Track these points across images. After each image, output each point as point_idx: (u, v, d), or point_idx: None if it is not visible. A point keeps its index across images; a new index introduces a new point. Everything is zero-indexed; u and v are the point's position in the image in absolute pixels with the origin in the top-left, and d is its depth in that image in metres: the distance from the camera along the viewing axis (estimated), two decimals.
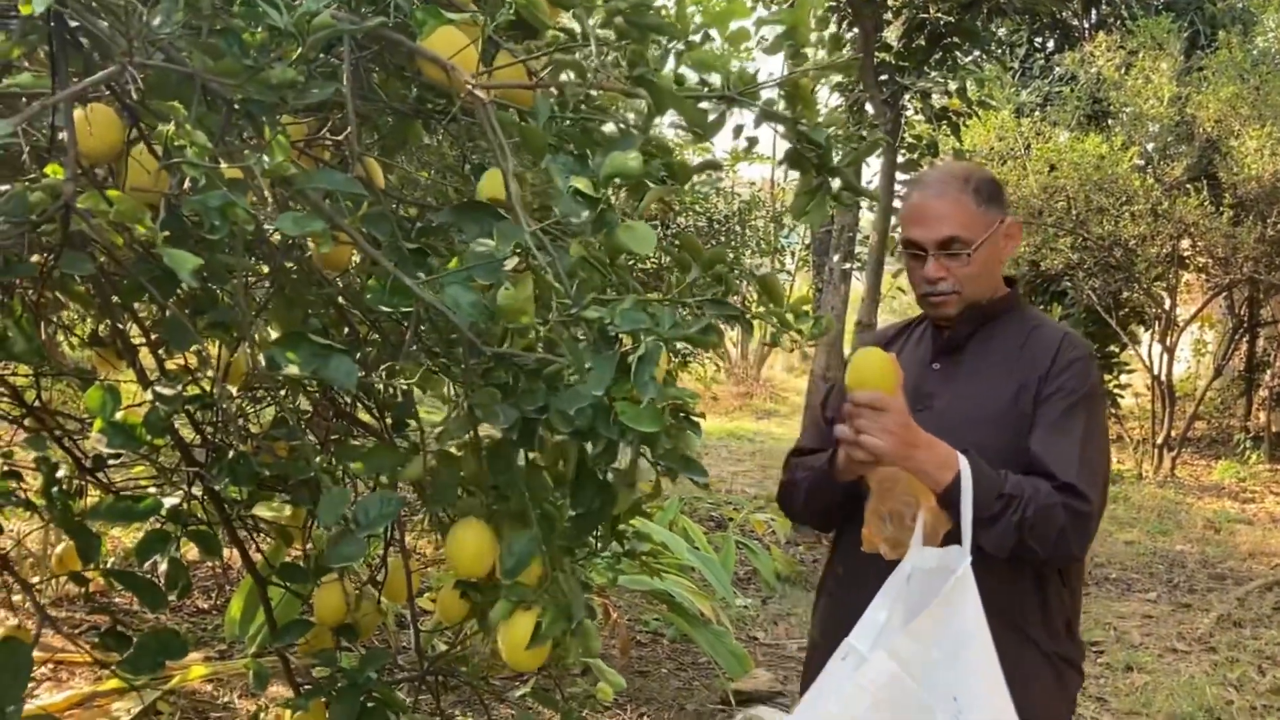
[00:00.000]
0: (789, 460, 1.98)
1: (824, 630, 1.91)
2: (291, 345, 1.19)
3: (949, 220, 1.77)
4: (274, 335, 1.38)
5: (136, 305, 1.79)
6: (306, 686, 1.72)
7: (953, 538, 1.64)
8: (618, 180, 1.27)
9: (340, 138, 1.37)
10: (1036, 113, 10.46)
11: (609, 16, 1.22)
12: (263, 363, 1.33)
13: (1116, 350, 10.69)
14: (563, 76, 1.50)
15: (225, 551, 1.97)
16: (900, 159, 6.40)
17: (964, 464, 1.61)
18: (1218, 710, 3.99)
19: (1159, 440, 9.78)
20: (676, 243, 1.41)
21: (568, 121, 1.44)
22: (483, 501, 1.51)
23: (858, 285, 7.29)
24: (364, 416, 1.94)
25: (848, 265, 6.79)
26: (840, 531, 1.95)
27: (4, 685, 1.14)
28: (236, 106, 1.25)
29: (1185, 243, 9.43)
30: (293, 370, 1.13)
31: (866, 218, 8.02)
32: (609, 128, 1.51)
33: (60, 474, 1.47)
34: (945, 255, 1.78)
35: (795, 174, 1.58)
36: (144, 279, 1.28)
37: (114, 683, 3.28)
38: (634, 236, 1.12)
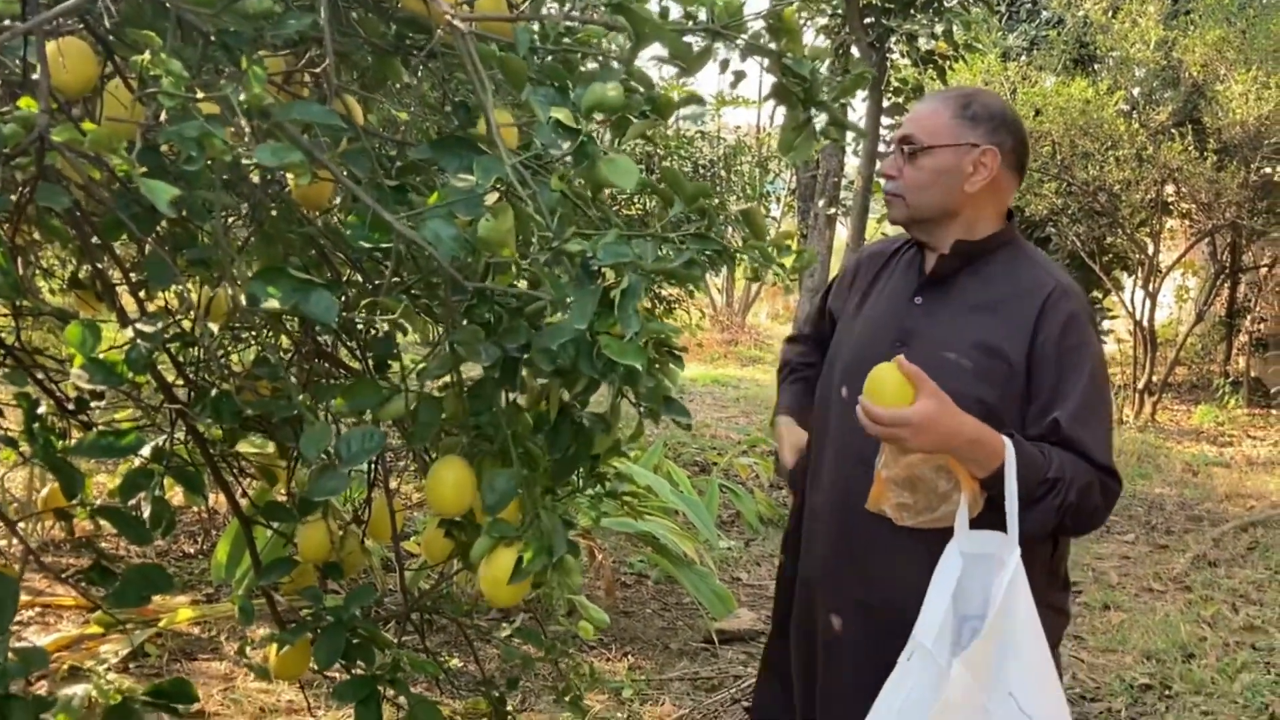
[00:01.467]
0: (785, 348, 2.21)
1: (812, 573, 1.93)
2: (270, 280, 1.18)
3: (916, 121, 1.80)
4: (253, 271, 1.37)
5: (117, 247, 1.77)
6: (292, 624, 1.74)
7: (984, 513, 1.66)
8: (599, 115, 1.26)
9: (318, 70, 1.36)
10: (1023, 56, 10.41)
11: None
12: (243, 300, 1.32)
13: (1100, 296, 10.73)
14: (544, 10, 1.49)
15: (211, 495, 1.98)
16: (886, 103, 6.36)
17: (1009, 452, 1.59)
18: (1191, 647, 4.06)
19: (1140, 385, 9.85)
20: (662, 183, 1.40)
21: (550, 56, 1.42)
22: (463, 441, 1.51)
23: (842, 231, 7.29)
24: (347, 359, 1.94)
25: (832, 210, 6.78)
26: (813, 470, 1.95)
27: None
28: (212, 39, 1.24)
29: (1169, 188, 9.44)
30: (272, 304, 1.13)
31: (852, 163, 7.99)
32: (591, 64, 1.50)
33: (41, 410, 1.47)
34: (903, 153, 1.79)
35: (781, 117, 1.58)
36: (123, 215, 1.26)
37: (100, 626, 3.31)
38: (615, 169, 1.12)
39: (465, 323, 1.31)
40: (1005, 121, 1.79)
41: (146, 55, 1.07)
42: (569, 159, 1.13)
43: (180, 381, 1.75)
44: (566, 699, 2.14)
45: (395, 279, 1.34)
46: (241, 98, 1.08)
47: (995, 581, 1.58)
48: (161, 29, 1.19)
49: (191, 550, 4.38)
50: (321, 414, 1.63)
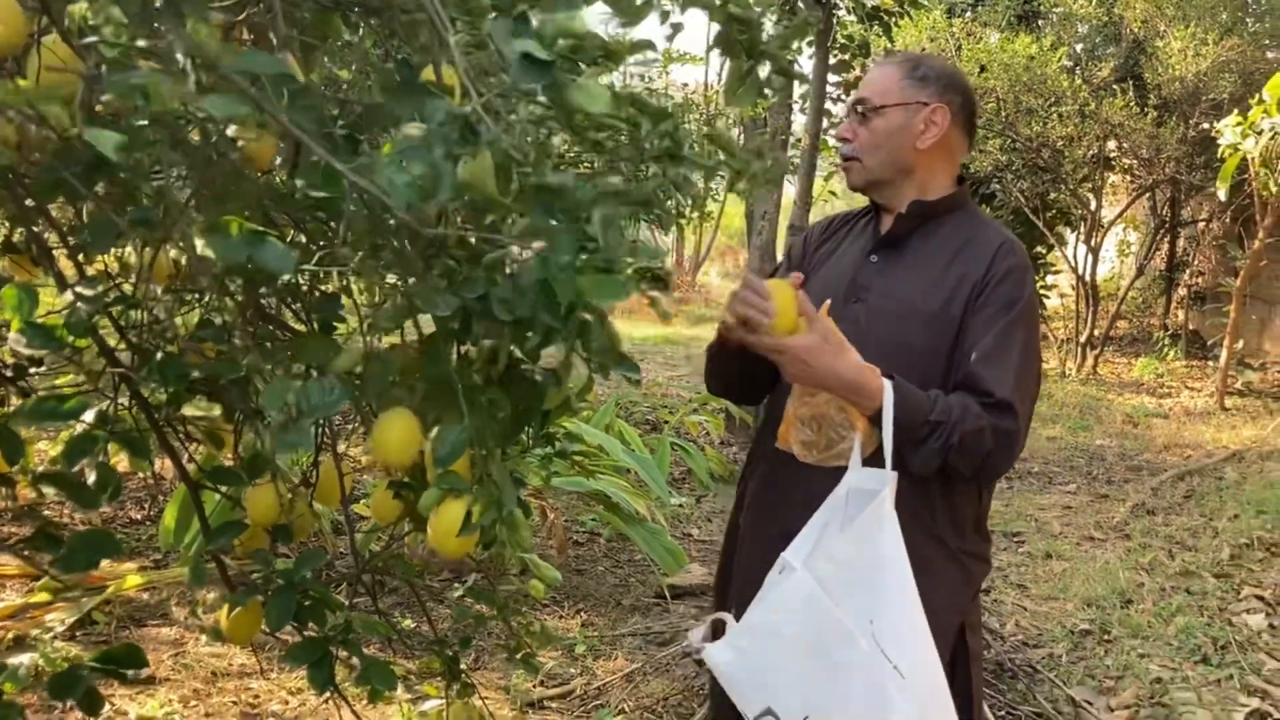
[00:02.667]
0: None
1: (748, 520, 1.98)
2: (222, 233, 1.17)
3: (869, 85, 1.85)
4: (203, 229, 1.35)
5: (53, 209, 1.73)
6: (243, 587, 1.73)
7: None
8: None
9: (255, 25, 1.33)
10: (968, 13, 10.44)
11: None
12: (196, 254, 1.30)
13: (1044, 252, 10.88)
14: None
15: (157, 461, 1.95)
16: (832, 60, 6.36)
17: (888, 392, 1.62)
18: (1129, 592, 4.18)
19: (1082, 339, 10.03)
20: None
21: None
22: (413, 395, 1.51)
23: (790, 189, 7.30)
24: (292, 322, 1.92)
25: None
26: (763, 426, 1.99)
27: None
28: None
29: (1111, 144, 9.57)
30: (231, 258, 1.11)
31: (799, 121, 7.99)
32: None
33: None
34: (857, 117, 1.84)
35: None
36: (67, 174, 1.24)
37: (47, 594, 3.27)
38: (586, 94, 1.10)
39: (426, 272, 1.30)
40: (954, 82, 1.85)
41: (84, 4, 1.05)
42: (538, 91, 1.12)
43: (123, 346, 1.72)
44: (519, 656, 2.15)
45: (348, 231, 1.33)
46: (182, 49, 1.05)
47: (866, 510, 1.61)
48: None
49: (138, 516, 4.33)
50: (270, 373, 1.62)
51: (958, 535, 1.77)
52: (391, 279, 1.54)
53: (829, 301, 1.71)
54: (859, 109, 1.84)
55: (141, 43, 1.06)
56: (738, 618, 1.93)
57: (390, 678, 1.72)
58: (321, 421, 1.91)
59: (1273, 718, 3.14)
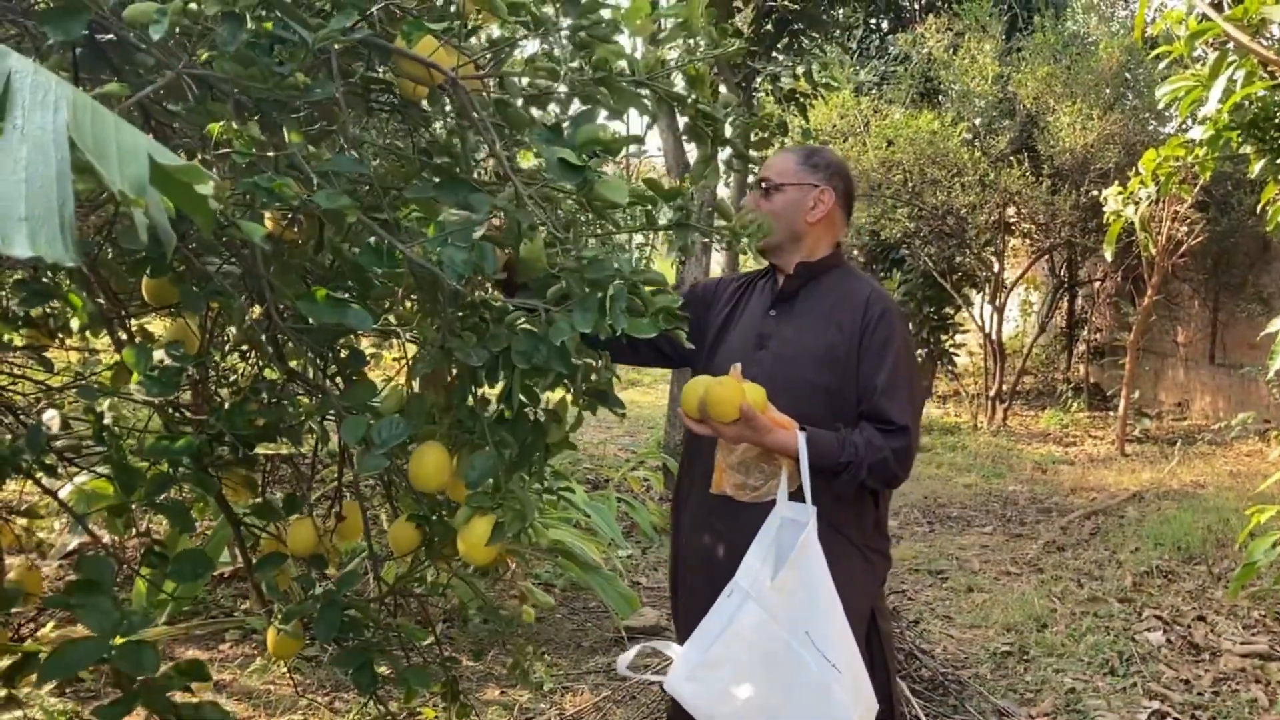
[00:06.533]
0: None
1: (684, 551, 2.34)
2: (311, 300, 1.46)
3: (771, 167, 2.28)
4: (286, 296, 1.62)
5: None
6: (286, 609, 1.97)
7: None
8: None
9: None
10: (874, 91, 11.10)
11: (574, 32, 1.53)
12: (246, 320, 1.58)
13: (952, 312, 11.45)
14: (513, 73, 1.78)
15: (132, 528, 2.17)
16: (752, 138, 6.82)
17: (802, 448, 2.02)
18: (1044, 618, 4.55)
19: (992, 394, 10.58)
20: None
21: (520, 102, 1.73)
22: (440, 428, 1.79)
23: (718, 257, 7.71)
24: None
25: (707, 239, 7.18)
26: (688, 475, 2.36)
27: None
28: (251, 104, 1.50)
29: (1010, 210, 10.21)
30: (324, 319, 1.40)
31: (723, 192, 8.45)
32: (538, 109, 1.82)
33: (106, 421, 1.69)
34: (760, 192, 2.25)
35: (655, 153, 1.92)
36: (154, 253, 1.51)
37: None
38: (610, 188, 1.44)
39: (462, 329, 1.60)
40: (839, 171, 2.32)
41: (220, 124, 1.34)
42: (571, 185, 1.44)
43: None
44: (517, 672, 2.41)
45: (405, 295, 1.62)
46: (296, 151, 1.35)
47: (796, 542, 1.99)
48: (202, 99, 1.45)
49: None
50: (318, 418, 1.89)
51: (861, 533, 2.18)
52: (426, 334, 1.84)
53: (738, 365, 2.08)
54: (763, 185, 2.26)
55: (269, 153, 1.36)
56: (689, 633, 2.24)
57: (426, 678, 1.98)
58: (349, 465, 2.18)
59: (1170, 716, 3.51)
